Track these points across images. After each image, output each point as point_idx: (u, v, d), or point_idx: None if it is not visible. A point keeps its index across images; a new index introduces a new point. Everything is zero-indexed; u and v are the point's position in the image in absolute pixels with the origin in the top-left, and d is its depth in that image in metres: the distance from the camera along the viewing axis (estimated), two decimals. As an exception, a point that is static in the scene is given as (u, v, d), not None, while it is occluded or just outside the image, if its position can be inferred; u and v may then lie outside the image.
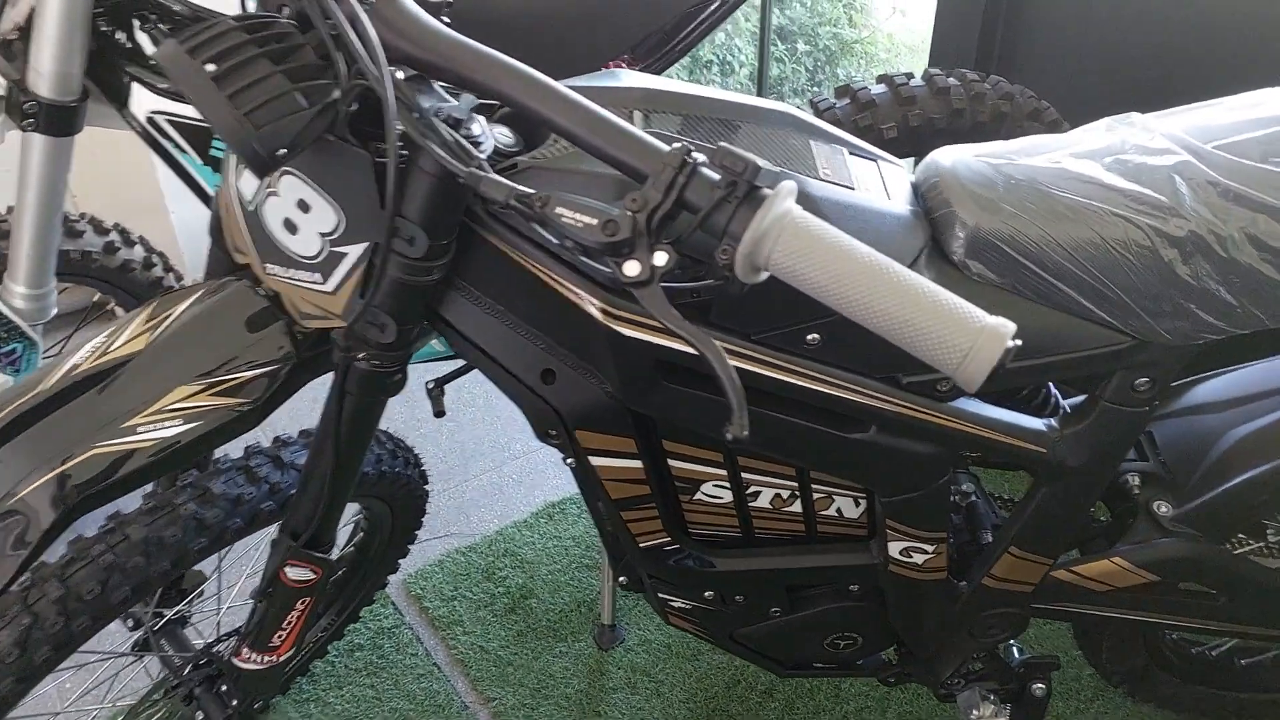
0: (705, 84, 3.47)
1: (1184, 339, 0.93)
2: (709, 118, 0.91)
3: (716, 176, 0.66)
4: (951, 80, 1.61)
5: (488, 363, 0.95)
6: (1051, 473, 1.04)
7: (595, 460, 0.99)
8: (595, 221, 0.67)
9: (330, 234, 0.85)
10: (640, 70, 1.71)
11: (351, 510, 1.51)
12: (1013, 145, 0.99)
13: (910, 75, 1.64)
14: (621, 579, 1.20)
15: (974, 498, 1.26)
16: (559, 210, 0.69)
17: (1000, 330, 0.61)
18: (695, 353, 0.87)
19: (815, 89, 3.66)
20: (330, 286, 0.87)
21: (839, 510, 1.11)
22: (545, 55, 1.41)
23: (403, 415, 2.32)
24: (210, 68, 0.70)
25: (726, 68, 3.53)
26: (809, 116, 0.96)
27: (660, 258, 0.67)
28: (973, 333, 0.60)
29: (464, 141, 0.76)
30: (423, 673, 1.73)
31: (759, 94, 2.62)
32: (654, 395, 0.92)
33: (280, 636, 1.17)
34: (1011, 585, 1.15)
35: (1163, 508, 1.17)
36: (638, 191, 0.67)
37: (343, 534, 1.55)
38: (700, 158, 0.68)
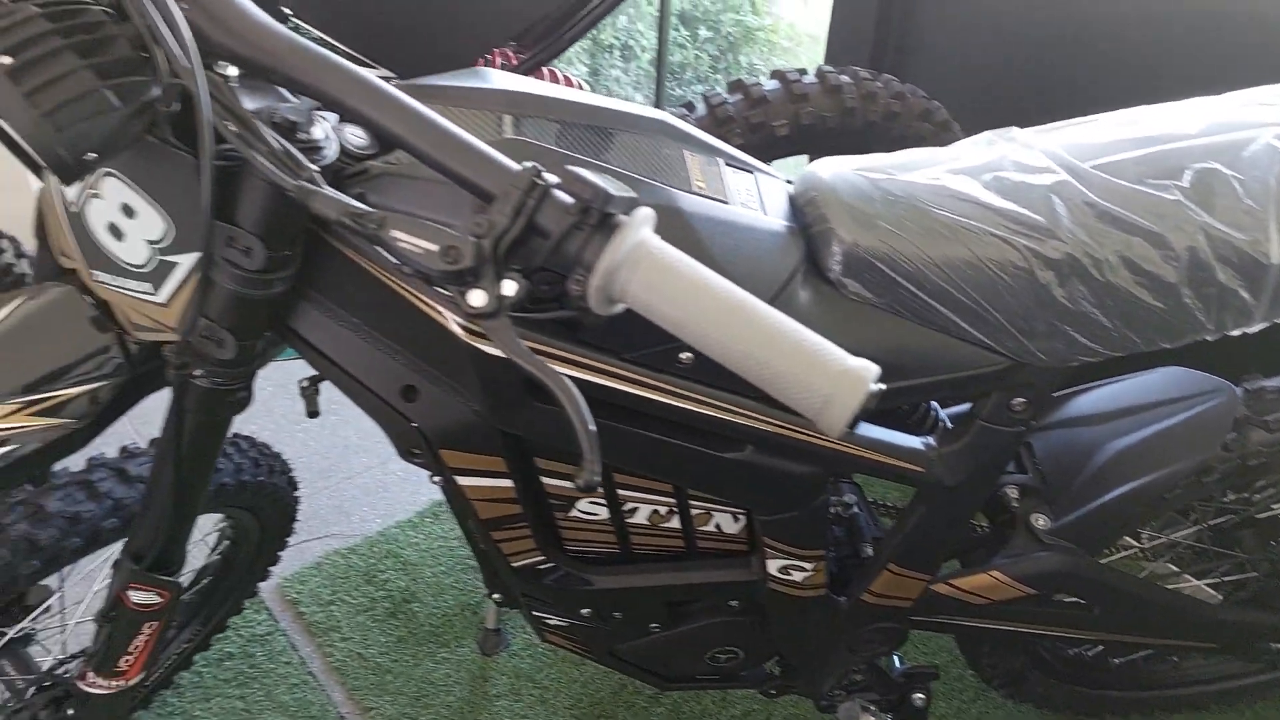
0: (608, 69, 3.41)
1: (1060, 360, 0.92)
2: (582, 124, 0.86)
3: (570, 200, 0.62)
4: (844, 78, 1.59)
5: (345, 379, 0.88)
6: (929, 491, 1.03)
7: (463, 480, 0.94)
8: (435, 247, 0.62)
9: (158, 242, 0.78)
10: (529, 59, 1.64)
11: (216, 519, 1.43)
12: (893, 159, 0.96)
13: (803, 71, 1.61)
14: (495, 596, 1.15)
15: (855, 509, 1.24)
16: (395, 234, 0.63)
17: (861, 374, 0.57)
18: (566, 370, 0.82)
19: (717, 77, 3.62)
20: (162, 297, 0.80)
21: (718, 526, 1.08)
22: (415, 47, 1.34)
23: (283, 408, 2.22)
24: (5, 60, 0.62)
25: (628, 52, 3.46)
26: (686, 125, 0.92)
27: (508, 287, 0.62)
28: (833, 377, 0.57)
29: (293, 150, 0.68)
30: (296, 682, 1.66)
31: (659, 80, 2.57)
32: (522, 415, 0.87)
33: (127, 660, 1.09)
34: (890, 601, 1.14)
35: (1040, 520, 1.17)
36: (484, 214, 0.62)
37: (206, 545, 1.47)
38: (552, 179, 0.62)
